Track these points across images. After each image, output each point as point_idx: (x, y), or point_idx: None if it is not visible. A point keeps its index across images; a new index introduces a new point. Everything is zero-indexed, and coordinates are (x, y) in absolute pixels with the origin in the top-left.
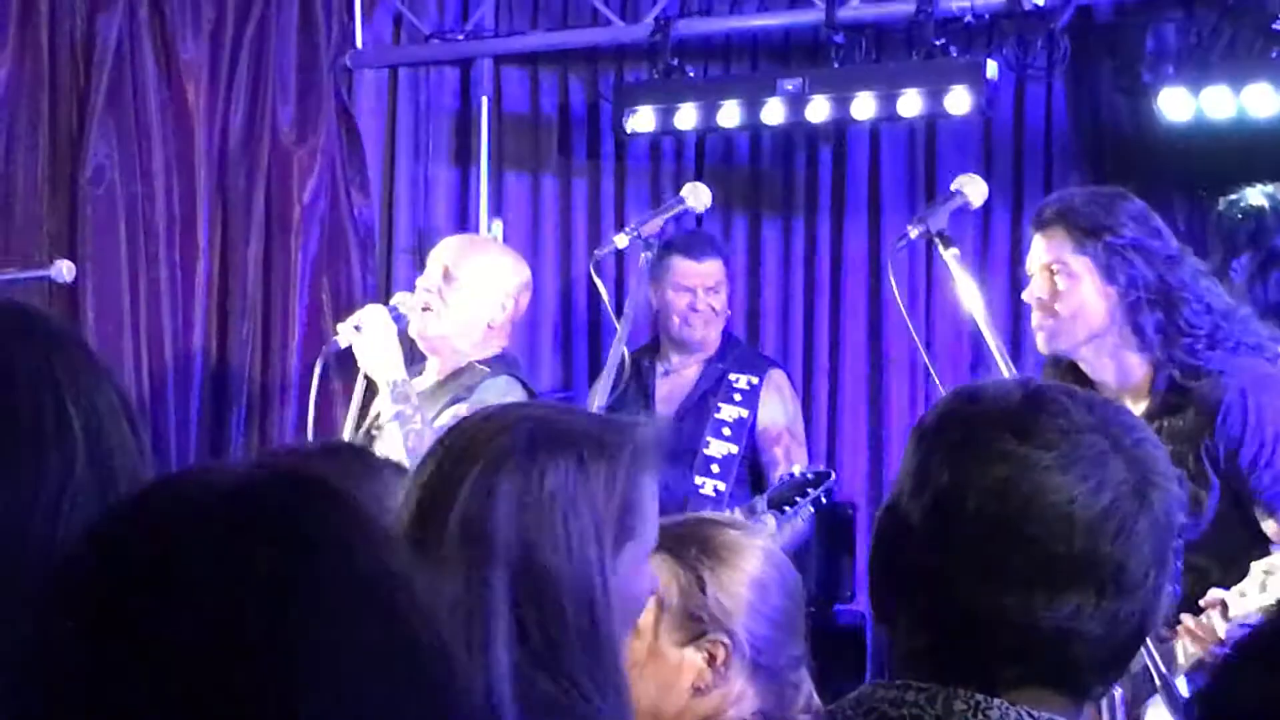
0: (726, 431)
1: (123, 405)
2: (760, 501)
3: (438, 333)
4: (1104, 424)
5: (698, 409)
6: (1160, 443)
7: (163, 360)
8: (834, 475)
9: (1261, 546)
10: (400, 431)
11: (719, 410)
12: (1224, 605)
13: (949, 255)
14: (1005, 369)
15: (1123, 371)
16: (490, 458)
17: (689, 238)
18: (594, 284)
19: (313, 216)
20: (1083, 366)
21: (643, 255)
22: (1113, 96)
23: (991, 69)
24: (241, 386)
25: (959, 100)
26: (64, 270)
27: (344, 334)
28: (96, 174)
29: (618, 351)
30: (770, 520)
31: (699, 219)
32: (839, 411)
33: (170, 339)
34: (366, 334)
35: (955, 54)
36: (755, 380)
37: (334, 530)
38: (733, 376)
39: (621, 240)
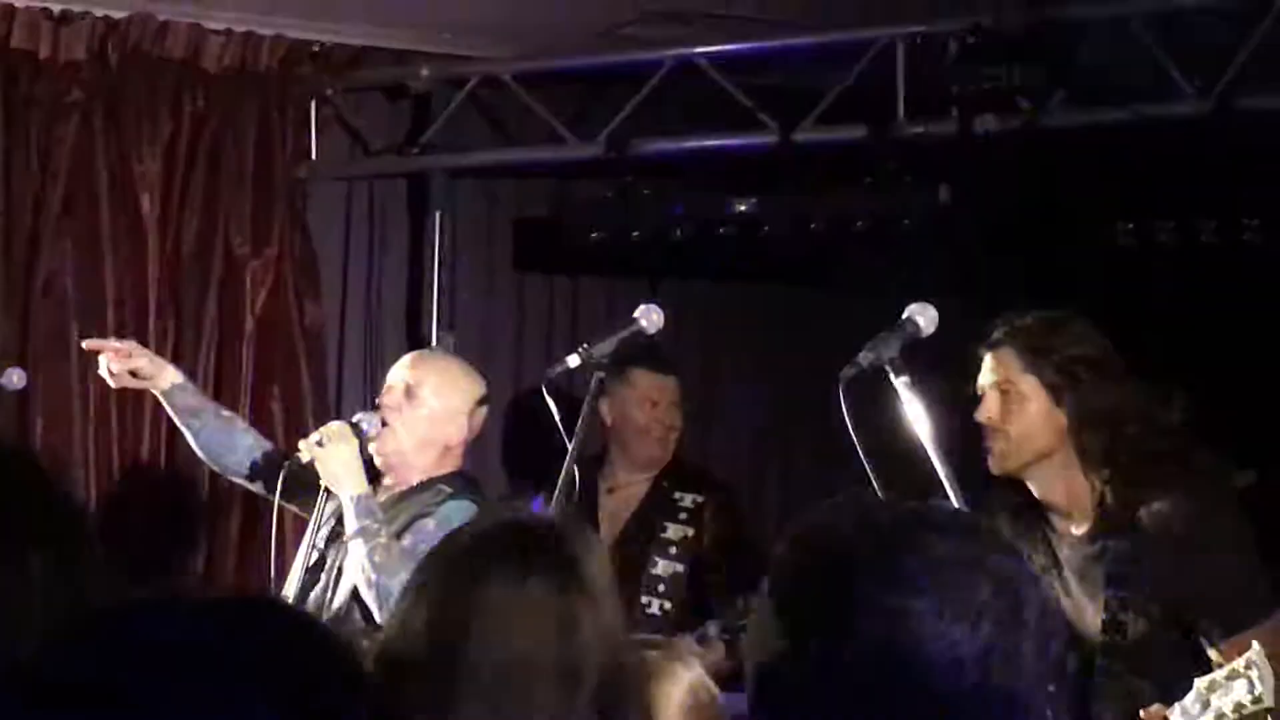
0: (672, 551)
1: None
2: (713, 627)
3: (395, 450)
4: (961, 548)
5: (642, 529)
6: (1017, 549)
7: (111, 470)
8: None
9: (1203, 668)
10: (364, 546)
11: (665, 530)
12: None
13: (900, 383)
14: (954, 495)
15: (1071, 491)
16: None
17: (651, 351)
18: (543, 399)
19: (264, 326)
20: (1031, 486)
21: (595, 375)
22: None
23: (944, 193)
24: (191, 496)
25: (911, 224)
26: (14, 379)
27: (305, 449)
28: (49, 282)
29: (569, 470)
30: (720, 646)
31: (651, 339)
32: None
33: (119, 448)
34: (329, 449)
35: (907, 179)
36: (700, 499)
37: None
38: (677, 495)
39: (574, 360)
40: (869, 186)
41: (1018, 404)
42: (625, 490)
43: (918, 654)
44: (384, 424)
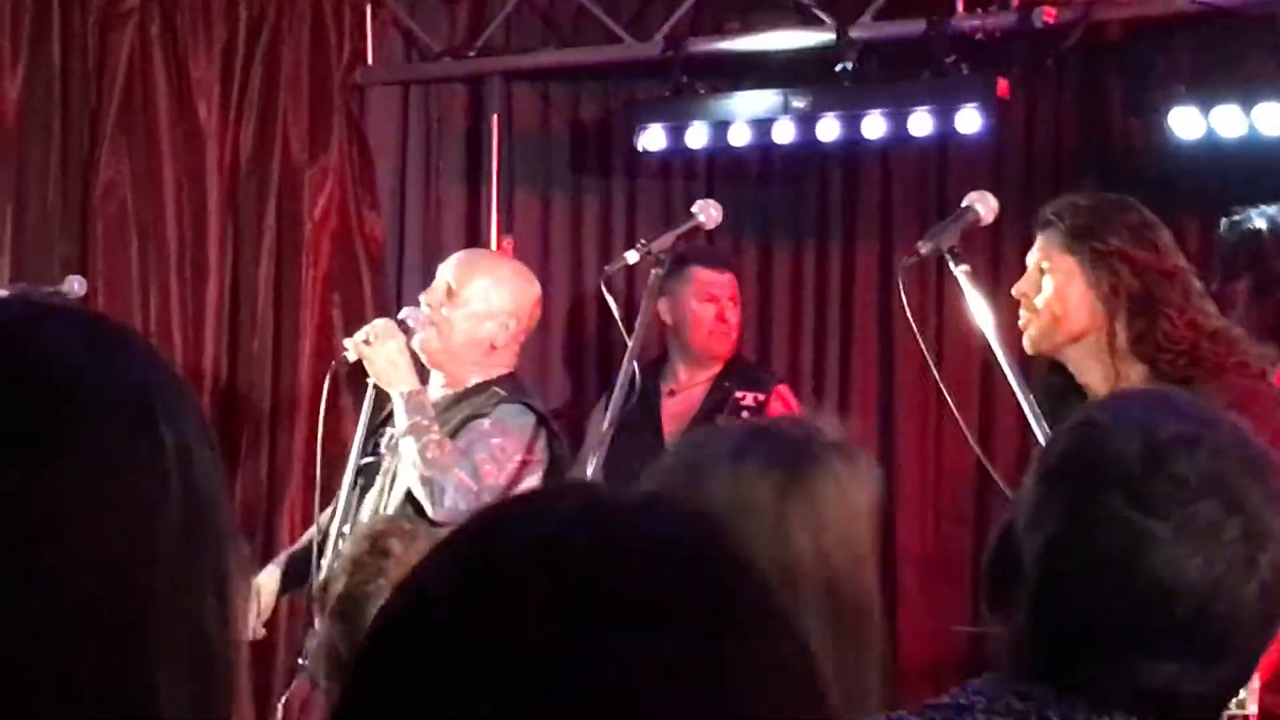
0: None
1: (204, 429)
2: None
3: (439, 349)
4: (1221, 483)
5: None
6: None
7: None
8: None
9: None
10: (416, 443)
11: None
12: None
13: (960, 272)
14: (1016, 387)
15: (1110, 377)
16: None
17: (708, 249)
18: (604, 300)
19: (323, 234)
20: (1070, 367)
21: (654, 272)
22: (1123, 115)
23: (1002, 87)
24: (252, 403)
25: (970, 119)
26: (75, 286)
27: (352, 347)
28: (108, 192)
29: (628, 368)
30: None
31: (709, 236)
32: (849, 432)
33: (181, 356)
34: (376, 346)
35: (966, 72)
36: (762, 397)
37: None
38: (739, 394)
39: (632, 256)
40: (927, 81)
41: (1052, 283)
42: (687, 392)
43: (1138, 574)
44: (430, 324)
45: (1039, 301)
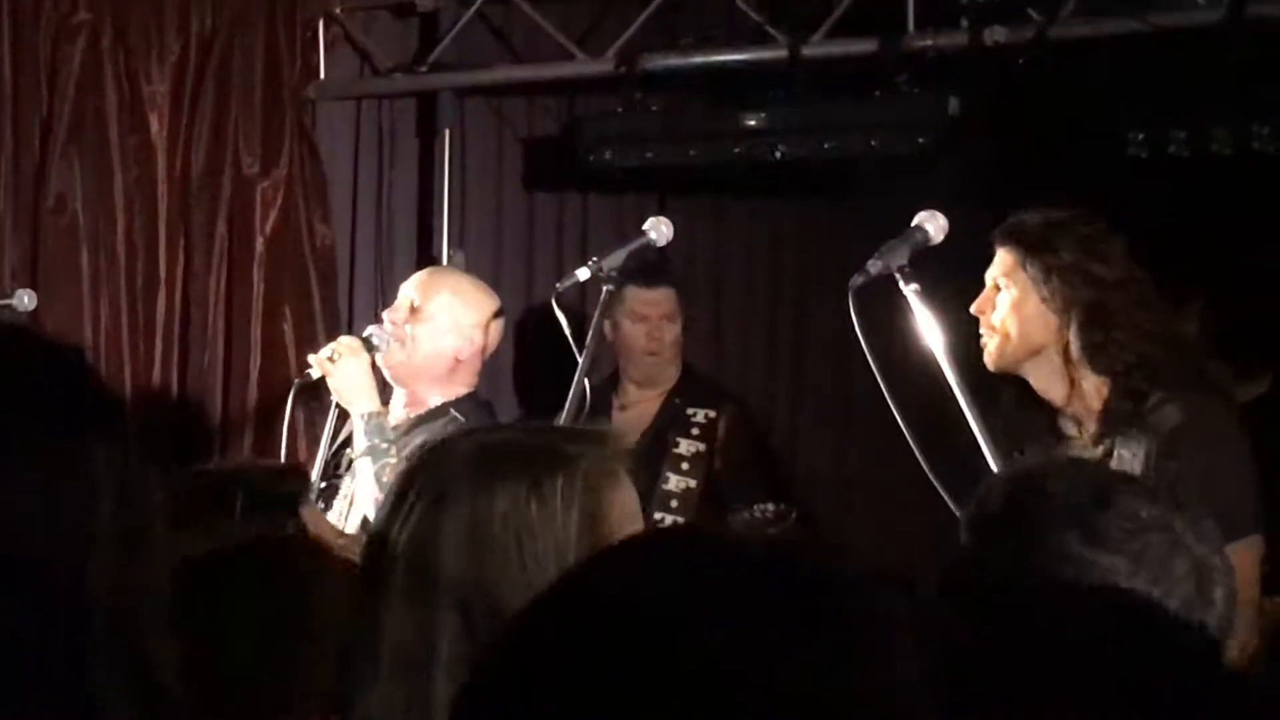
0: (684, 466)
1: (137, 442)
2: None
3: (404, 364)
4: (1164, 521)
5: (656, 444)
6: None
7: (123, 390)
8: (794, 514)
9: None
10: (373, 465)
11: (677, 445)
12: None
13: (909, 291)
14: (965, 404)
15: (1070, 392)
16: (436, 488)
17: (641, 266)
18: (555, 316)
19: (275, 247)
20: (1032, 383)
21: (605, 289)
22: (1074, 134)
23: (953, 106)
24: (202, 416)
25: (921, 137)
26: (25, 299)
27: (317, 363)
28: (58, 204)
29: (579, 385)
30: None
31: (661, 252)
32: (798, 446)
33: (130, 368)
34: (339, 364)
35: (917, 91)
36: (713, 414)
37: None
38: (690, 410)
39: (584, 273)
40: (879, 100)
41: (1010, 299)
42: (637, 408)
43: (1096, 605)
44: (395, 338)
45: (995, 319)
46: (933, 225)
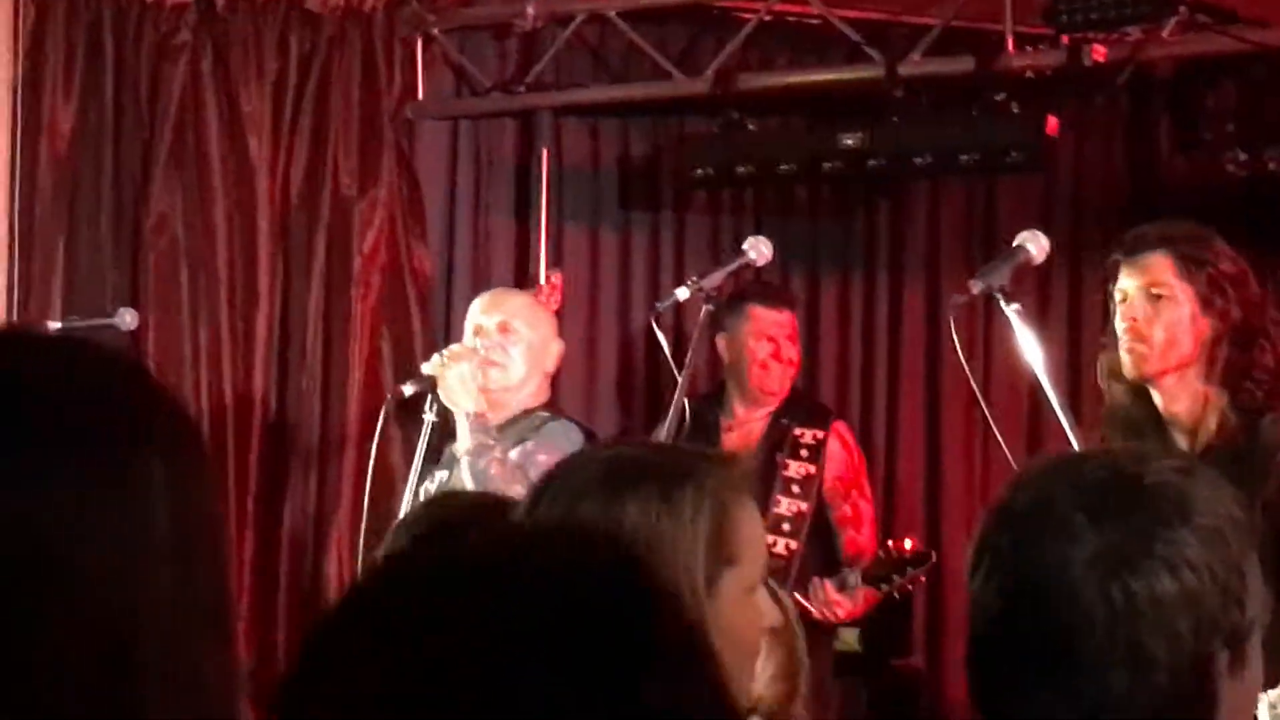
0: (795, 489)
1: (202, 460)
2: (853, 576)
3: (502, 385)
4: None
5: (765, 466)
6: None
7: (223, 407)
8: (934, 557)
9: None
10: (480, 462)
11: (786, 467)
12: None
13: (1011, 311)
14: (1067, 425)
15: (1195, 406)
16: (569, 497)
17: (767, 287)
18: (653, 337)
19: (372, 267)
20: (1159, 395)
21: (705, 308)
22: (1172, 154)
23: (1051, 125)
24: (300, 435)
25: (1018, 156)
26: (127, 318)
27: (430, 366)
28: (159, 223)
29: (679, 403)
30: (859, 594)
31: (758, 273)
32: (896, 467)
33: (230, 387)
34: (454, 367)
35: (1015, 110)
36: (821, 434)
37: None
38: (798, 431)
39: (683, 293)
40: (976, 119)
41: (1168, 308)
42: (744, 427)
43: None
44: (489, 363)
45: (1152, 327)
46: (1034, 245)
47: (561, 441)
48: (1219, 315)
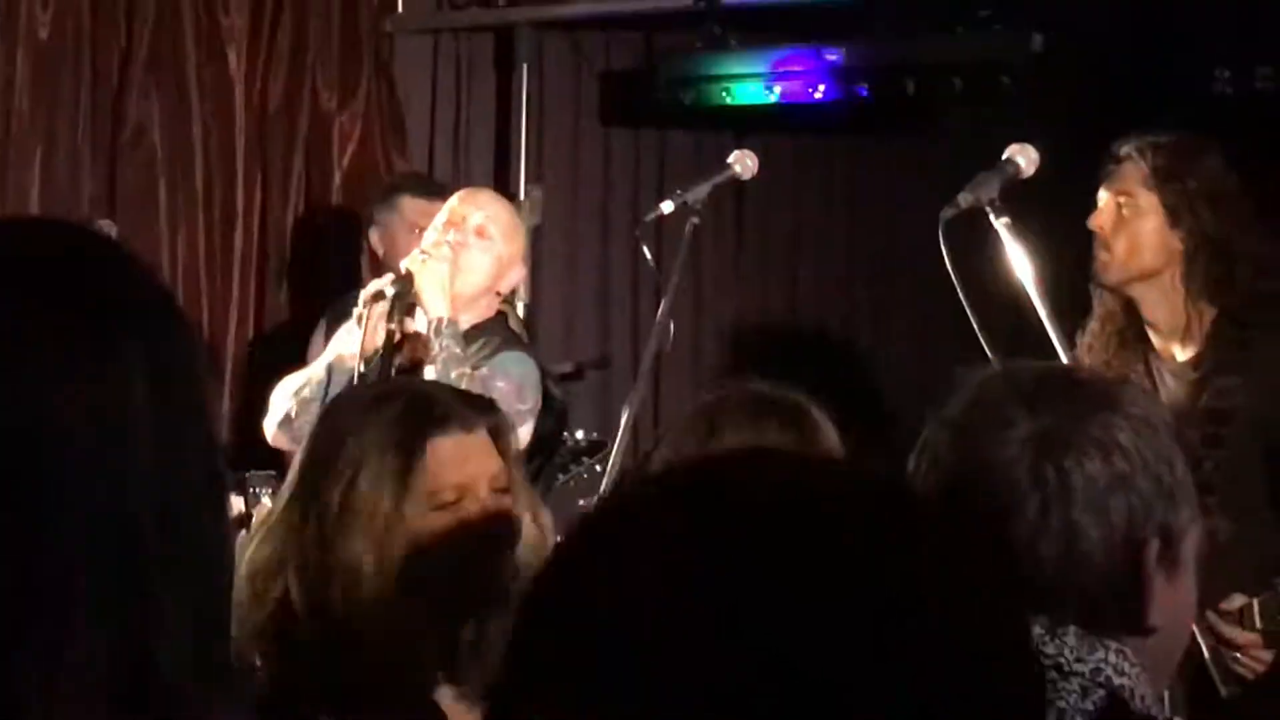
0: None
1: (188, 343)
2: None
3: (462, 290)
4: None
5: None
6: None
7: (200, 321)
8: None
9: None
10: (453, 373)
11: None
12: (1241, 614)
13: (1000, 224)
14: (1055, 336)
15: (1176, 315)
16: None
17: None
18: (634, 252)
19: (351, 181)
20: (1137, 304)
21: (690, 221)
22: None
23: (1037, 41)
24: (276, 347)
25: (1006, 70)
26: (105, 229)
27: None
28: (136, 135)
29: (666, 316)
30: None
31: (742, 186)
32: (883, 380)
33: (208, 300)
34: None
35: (999, 27)
36: None
37: None
38: None
39: (668, 207)
40: (961, 36)
41: (1132, 217)
42: None
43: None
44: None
45: (1116, 235)
46: (1024, 158)
47: (515, 373)
48: (1189, 229)
